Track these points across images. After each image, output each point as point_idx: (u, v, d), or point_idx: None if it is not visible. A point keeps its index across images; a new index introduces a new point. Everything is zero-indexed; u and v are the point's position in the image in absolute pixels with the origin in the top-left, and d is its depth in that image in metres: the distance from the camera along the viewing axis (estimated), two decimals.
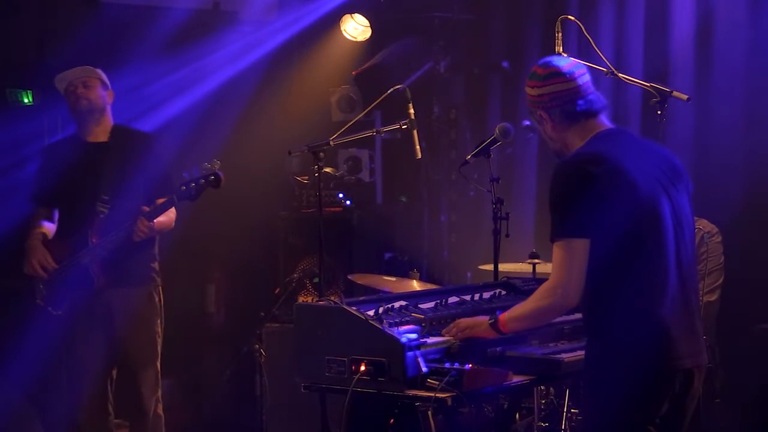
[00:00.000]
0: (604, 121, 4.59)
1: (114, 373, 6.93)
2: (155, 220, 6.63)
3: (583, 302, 4.43)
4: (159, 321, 6.92)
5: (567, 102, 4.52)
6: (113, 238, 6.60)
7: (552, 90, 4.54)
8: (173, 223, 6.88)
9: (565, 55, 6.03)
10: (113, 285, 6.72)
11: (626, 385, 4.33)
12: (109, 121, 6.92)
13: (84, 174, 6.78)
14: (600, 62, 6.14)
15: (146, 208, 6.59)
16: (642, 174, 4.38)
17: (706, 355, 4.57)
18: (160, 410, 6.93)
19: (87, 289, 6.70)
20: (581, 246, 4.32)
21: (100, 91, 6.88)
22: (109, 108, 6.93)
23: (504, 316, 4.68)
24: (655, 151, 4.64)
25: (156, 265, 6.95)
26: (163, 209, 6.63)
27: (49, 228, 6.91)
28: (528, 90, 4.63)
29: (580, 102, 4.52)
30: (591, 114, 4.55)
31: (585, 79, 4.58)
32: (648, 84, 6.15)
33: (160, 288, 6.96)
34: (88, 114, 6.85)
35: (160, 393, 6.93)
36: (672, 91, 6.07)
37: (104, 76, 6.93)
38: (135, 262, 6.79)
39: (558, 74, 4.55)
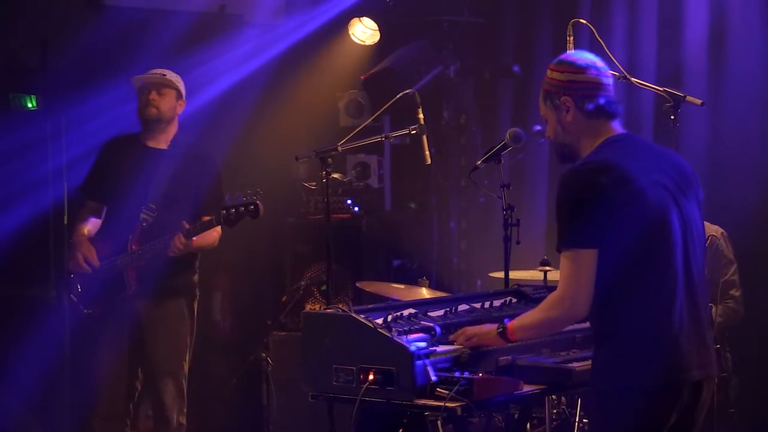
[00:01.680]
0: (616, 127, 4.56)
1: (138, 384, 6.87)
2: (194, 239, 6.56)
3: (591, 312, 4.38)
4: (190, 333, 6.90)
5: (596, 95, 4.50)
6: (151, 249, 6.57)
7: (586, 79, 4.51)
8: (216, 243, 6.85)
9: None
10: (145, 294, 6.70)
11: (633, 396, 4.29)
12: (174, 129, 6.89)
13: (136, 178, 6.76)
14: (612, 66, 6.04)
15: (187, 225, 6.55)
16: (650, 182, 4.35)
17: (716, 365, 4.53)
18: (183, 420, 6.90)
19: (119, 295, 6.70)
20: (589, 256, 4.28)
21: (173, 101, 6.84)
22: (177, 118, 6.90)
23: (512, 325, 4.64)
24: (665, 157, 4.60)
25: (195, 278, 6.93)
26: (203, 229, 6.58)
27: (95, 224, 6.85)
28: (555, 75, 4.57)
29: (602, 100, 4.51)
30: (609, 115, 4.52)
31: (611, 81, 4.59)
32: (661, 88, 6.08)
33: (196, 301, 6.91)
34: (154, 123, 6.81)
35: (184, 406, 6.89)
36: (685, 96, 6.01)
37: (181, 85, 6.89)
38: (173, 274, 6.75)
39: (594, 66, 4.54)
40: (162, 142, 6.86)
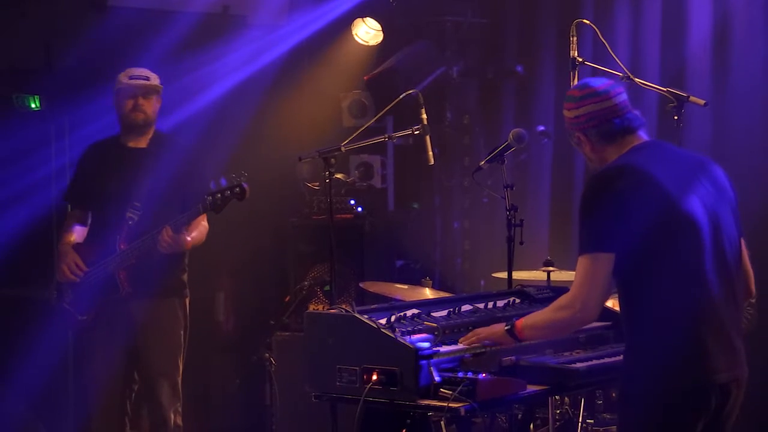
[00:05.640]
0: (642, 136, 4.55)
1: (135, 386, 6.87)
2: (188, 237, 6.60)
3: (620, 314, 4.42)
4: (182, 333, 6.90)
5: (603, 122, 4.49)
6: (140, 246, 6.56)
7: (587, 111, 4.51)
8: (204, 237, 6.84)
9: (581, 60, 5.97)
10: (139, 295, 6.69)
11: (659, 400, 4.28)
12: (153, 128, 6.91)
13: (119, 179, 6.76)
14: (615, 67, 6.07)
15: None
16: (675, 185, 4.34)
17: (746, 367, 4.49)
18: (179, 421, 6.90)
19: (112, 297, 6.68)
20: (605, 260, 4.29)
21: (156, 104, 6.87)
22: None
23: (521, 323, 4.67)
24: (692, 162, 4.57)
25: (185, 277, 6.92)
26: (188, 219, 6.57)
27: (80, 232, 6.85)
28: (565, 113, 4.61)
29: (617, 121, 4.49)
30: (628, 132, 4.51)
31: (622, 98, 4.55)
32: (664, 89, 6.09)
33: (187, 300, 6.89)
34: (141, 127, 6.83)
35: (179, 404, 6.88)
36: (689, 96, 6.02)
37: (160, 87, 6.90)
38: (163, 272, 6.74)
39: (593, 94, 4.52)
40: (142, 141, 6.88)
